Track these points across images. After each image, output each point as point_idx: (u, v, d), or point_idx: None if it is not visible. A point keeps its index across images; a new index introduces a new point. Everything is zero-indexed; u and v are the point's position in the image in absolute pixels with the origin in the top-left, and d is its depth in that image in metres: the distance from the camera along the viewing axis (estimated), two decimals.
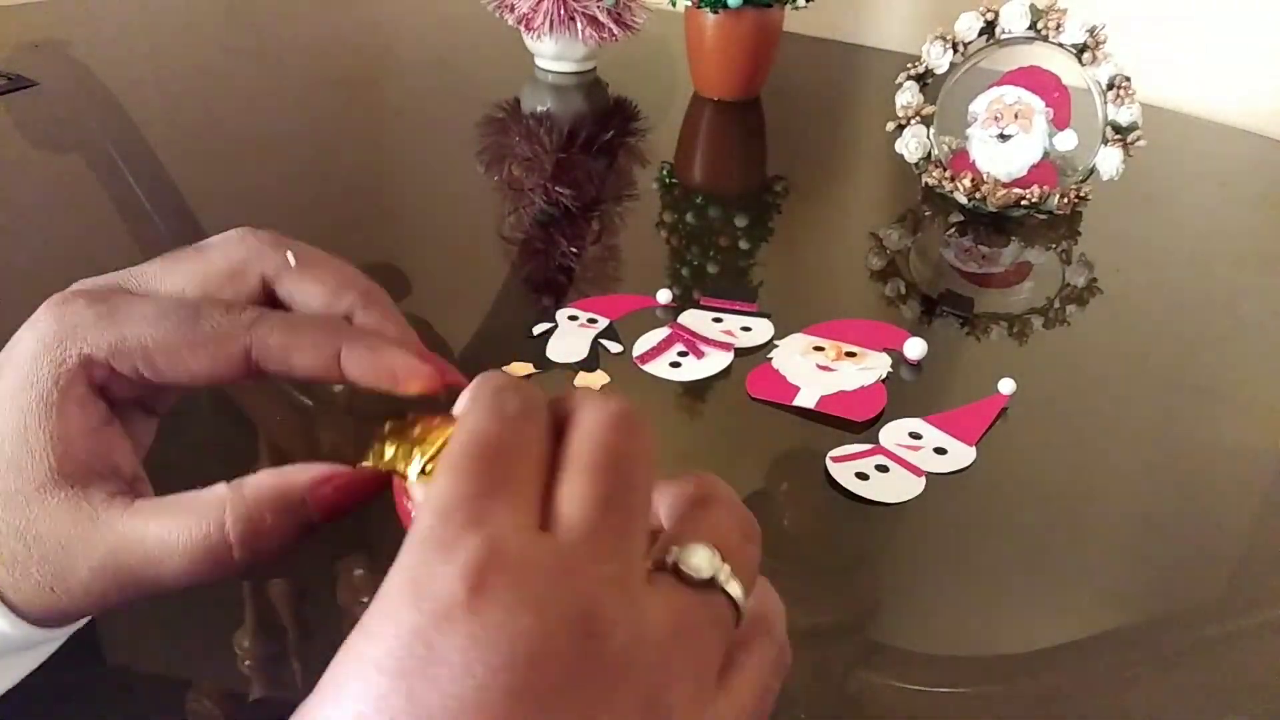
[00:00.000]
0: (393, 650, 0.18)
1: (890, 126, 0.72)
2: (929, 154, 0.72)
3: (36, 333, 0.25)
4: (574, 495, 0.20)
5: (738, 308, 0.56)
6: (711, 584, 0.21)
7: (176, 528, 0.24)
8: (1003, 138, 0.67)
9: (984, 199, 0.67)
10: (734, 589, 0.22)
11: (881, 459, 0.45)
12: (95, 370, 0.25)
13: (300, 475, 0.25)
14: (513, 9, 0.89)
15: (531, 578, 0.19)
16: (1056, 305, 0.60)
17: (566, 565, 0.19)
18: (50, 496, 0.24)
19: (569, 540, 0.20)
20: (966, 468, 0.45)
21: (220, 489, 0.25)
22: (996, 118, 0.68)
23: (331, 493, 0.25)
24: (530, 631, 0.18)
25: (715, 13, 0.85)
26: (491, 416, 0.21)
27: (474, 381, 0.23)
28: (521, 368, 0.50)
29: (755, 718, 0.22)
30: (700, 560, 0.21)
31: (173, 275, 0.28)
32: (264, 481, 0.25)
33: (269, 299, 0.28)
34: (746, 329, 0.54)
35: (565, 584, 0.19)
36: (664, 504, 0.24)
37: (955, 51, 0.70)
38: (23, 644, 0.25)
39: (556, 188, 0.72)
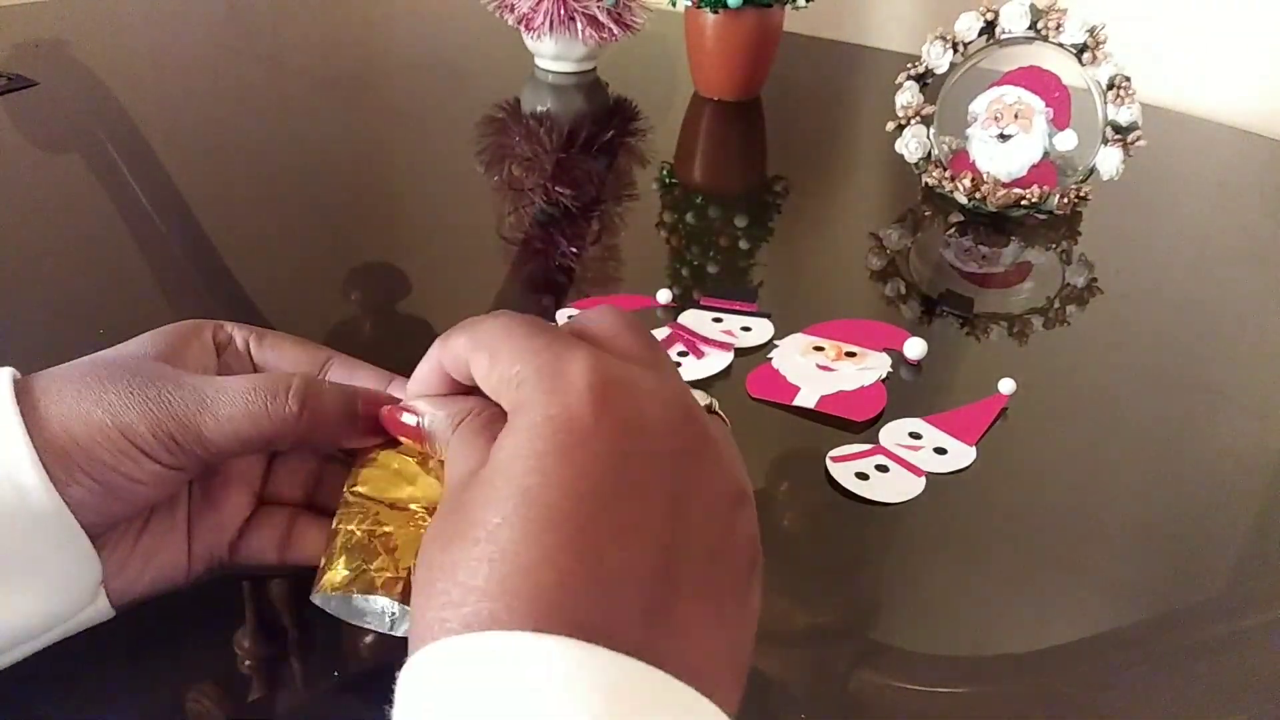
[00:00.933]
0: (542, 431, 0.23)
1: (890, 126, 0.72)
2: (929, 154, 0.72)
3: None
4: (629, 344, 0.26)
5: (738, 308, 0.56)
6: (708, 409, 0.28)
7: (254, 378, 0.29)
8: (1003, 138, 0.67)
9: (984, 199, 0.67)
10: (718, 409, 0.30)
11: (881, 459, 0.45)
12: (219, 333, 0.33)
13: (356, 387, 0.31)
14: (513, 9, 0.89)
15: (643, 379, 0.25)
16: (1056, 305, 0.60)
17: (658, 375, 0.25)
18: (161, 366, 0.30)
19: (644, 366, 0.25)
20: (966, 467, 0.45)
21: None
22: (996, 118, 0.68)
23: (376, 399, 0.31)
24: (653, 414, 0.24)
25: (715, 13, 0.85)
26: (510, 312, 0.26)
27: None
28: None
29: None
30: (698, 395, 0.28)
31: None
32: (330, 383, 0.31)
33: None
34: (746, 329, 0.54)
35: (664, 383, 0.25)
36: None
37: (955, 51, 0.70)
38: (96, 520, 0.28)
39: (556, 188, 0.72)
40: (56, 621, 0.28)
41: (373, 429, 0.30)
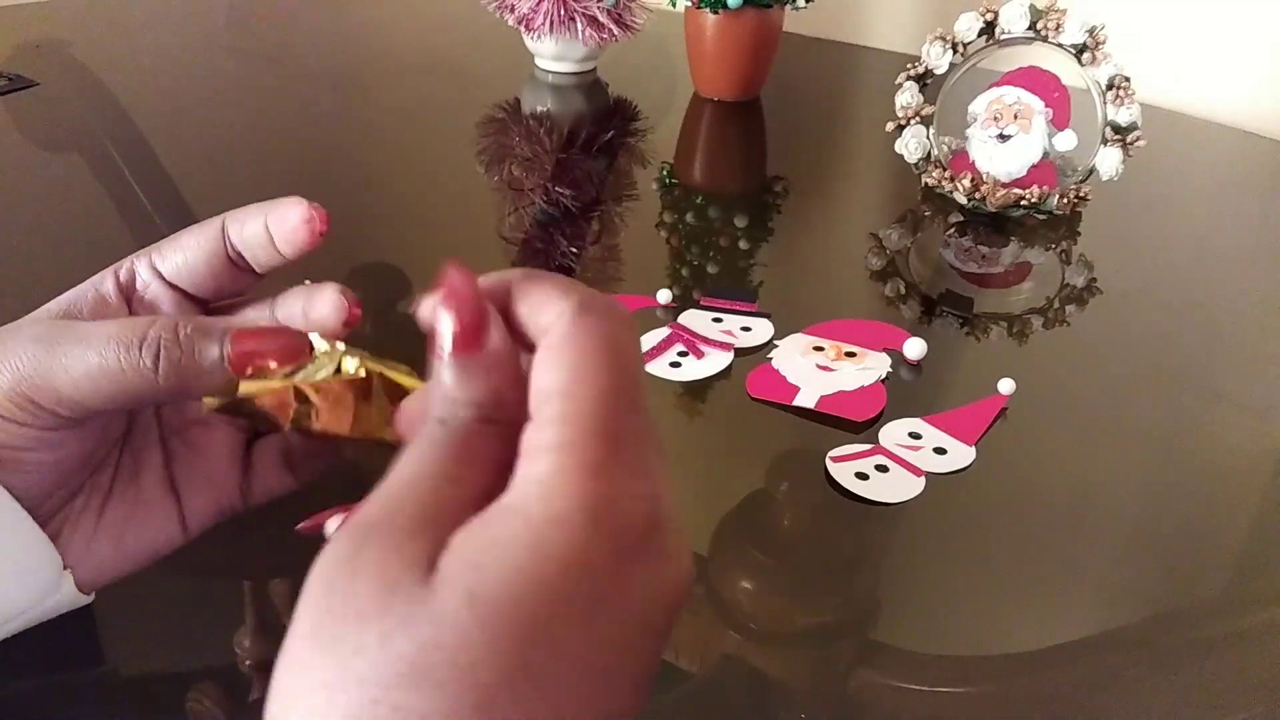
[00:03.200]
0: (576, 590, 0.18)
1: (890, 127, 0.72)
2: (929, 154, 0.72)
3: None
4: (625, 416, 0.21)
5: (738, 308, 0.56)
6: None
7: (111, 326, 0.27)
8: (1002, 138, 0.67)
9: (983, 199, 0.67)
10: None
11: (881, 459, 0.45)
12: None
13: (229, 320, 0.29)
14: (513, 9, 0.89)
15: (678, 532, 0.20)
16: (1056, 305, 0.60)
17: (675, 514, 0.20)
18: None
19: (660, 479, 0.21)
20: (966, 468, 0.45)
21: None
22: (996, 118, 0.68)
23: (249, 334, 0.27)
24: (676, 582, 0.20)
25: (715, 13, 0.85)
26: (628, 323, 0.21)
27: (582, 299, 0.22)
28: None
29: None
30: None
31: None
32: (196, 316, 0.29)
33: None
34: (746, 329, 0.54)
35: (683, 537, 0.20)
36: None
37: (955, 52, 0.70)
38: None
39: (556, 188, 0.72)
40: (15, 614, 0.27)
41: (251, 353, 0.27)
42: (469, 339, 0.21)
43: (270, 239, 0.30)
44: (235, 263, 0.31)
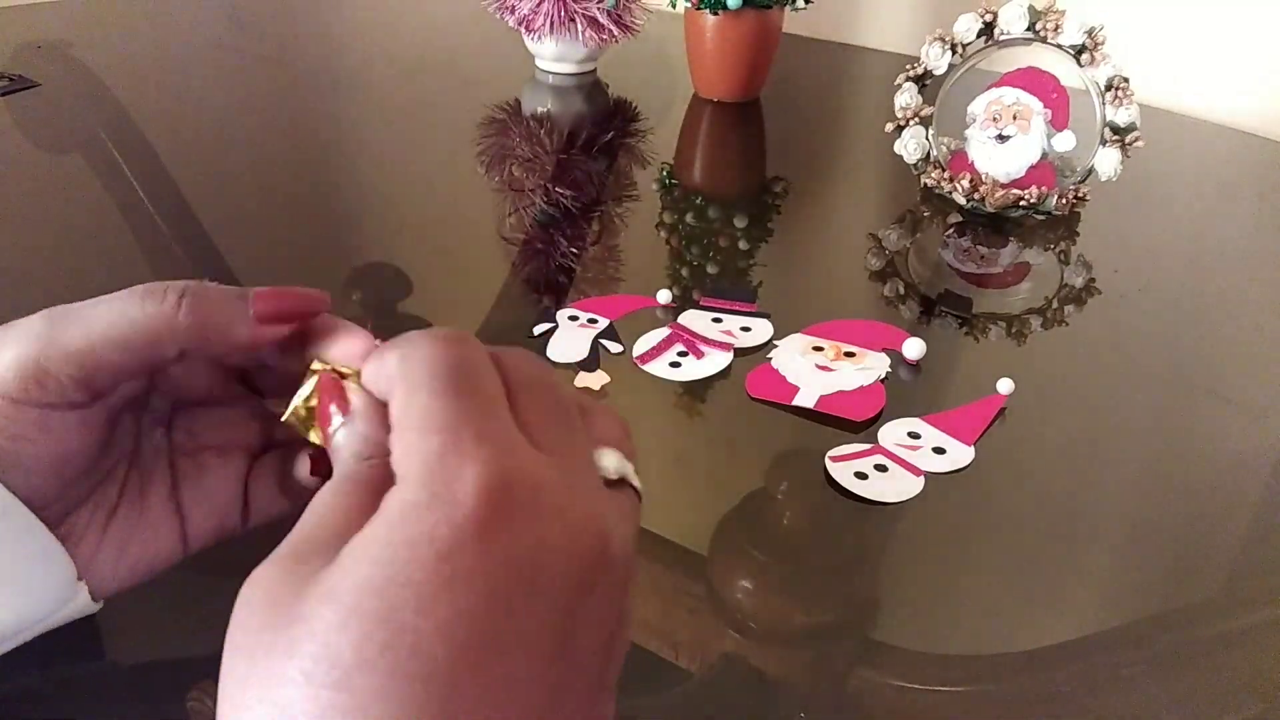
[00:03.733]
0: (422, 554, 0.19)
1: (889, 127, 0.72)
2: (928, 155, 0.72)
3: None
4: (536, 412, 0.23)
5: (737, 308, 0.56)
6: (621, 482, 0.25)
7: (136, 295, 0.26)
8: (1001, 139, 0.67)
9: (982, 200, 0.68)
10: (637, 483, 0.25)
11: (880, 459, 0.45)
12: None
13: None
14: (513, 10, 0.90)
15: (548, 491, 0.21)
16: (1055, 305, 0.60)
17: (568, 480, 0.22)
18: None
19: (555, 455, 0.22)
20: (965, 467, 0.45)
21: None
22: (995, 119, 0.68)
23: (272, 292, 0.27)
24: (555, 542, 0.20)
25: (715, 14, 0.85)
26: (449, 340, 0.23)
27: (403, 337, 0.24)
28: None
29: None
30: (611, 462, 0.24)
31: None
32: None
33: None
34: (746, 329, 0.54)
35: (573, 495, 0.21)
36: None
37: (954, 53, 0.70)
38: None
39: (557, 188, 0.72)
40: (33, 623, 0.28)
41: (273, 320, 0.27)
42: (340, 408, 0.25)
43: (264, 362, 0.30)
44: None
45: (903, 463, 0.44)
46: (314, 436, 0.27)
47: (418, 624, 0.18)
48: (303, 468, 0.31)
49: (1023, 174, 0.68)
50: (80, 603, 0.28)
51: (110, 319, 0.26)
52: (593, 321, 0.54)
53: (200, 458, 0.31)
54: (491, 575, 0.19)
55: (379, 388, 0.24)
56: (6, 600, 0.26)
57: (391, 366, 0.23)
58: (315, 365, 0.27)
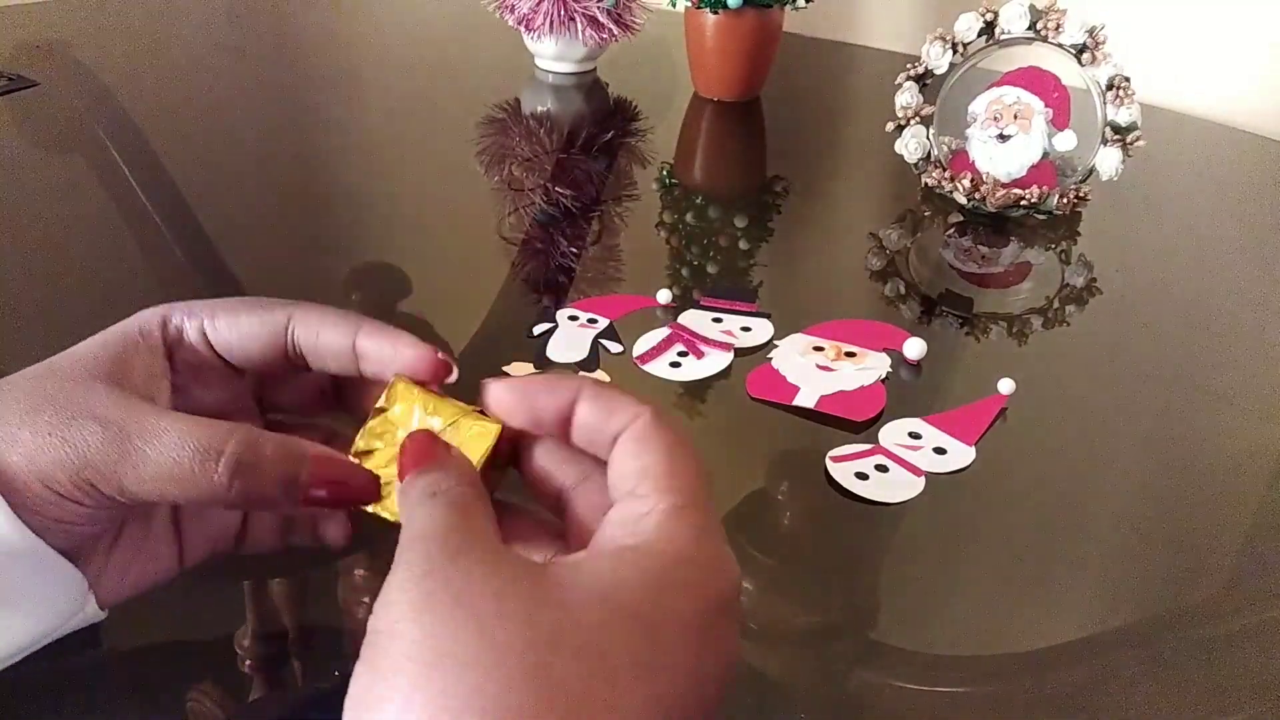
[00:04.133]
0: (693, 607, 0.23)
1: (890, 127, 0.72)
2: (928, 154, 0.72)
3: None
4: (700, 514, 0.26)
5: (737, 308, 0.56)
6: None
7: (187, 429, 0.27)
8: (1002, 138, 0.67)
9: (983, 199, 0.67)
10: None
11: (881, 459, 0.45)
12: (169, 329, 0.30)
13: (309, 445, 0.28)
14: (513, 9, 0.90)
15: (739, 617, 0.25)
16: (1056, 305, 0.60)
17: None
18: (100, 384, 0.28)
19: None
20: (966, 467, 0.45)
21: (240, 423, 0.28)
22: (996, 118, 0.68)
23: (328, 468, 0.28)
24: (732, 659, 0.24)
25: (715, 13, 0.85)
26: (700, 462, 0.26)
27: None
28: (521, 368, 0.50)
29: None
30: None
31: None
32: (275, 435, 0.28)
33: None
34: (746, 329, 0.54)
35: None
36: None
37: (955, 52, 0.70)
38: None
39: (556, 188, 0.72)
40: (45, 637, 0.29)
41: (324, 499, 0.28)
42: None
43: (354, 357, 0.30)
44: (292, 358, 0.31)
45: (903, 463, 0.44)
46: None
47: (667, 654, 0.22)
48: (334, 531, 0.32)
49: (1024, 173, 0.67)
50: (88, 613, 0.29)
51: (161, 473, 0.26)
52: (593, 321, 0.54)
53: None
54: (705, 658, 0.23)
55: (595, 424, 0.26)
56: (23, 618, 0.28)
57: (646, 422, 0.26)
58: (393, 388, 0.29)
